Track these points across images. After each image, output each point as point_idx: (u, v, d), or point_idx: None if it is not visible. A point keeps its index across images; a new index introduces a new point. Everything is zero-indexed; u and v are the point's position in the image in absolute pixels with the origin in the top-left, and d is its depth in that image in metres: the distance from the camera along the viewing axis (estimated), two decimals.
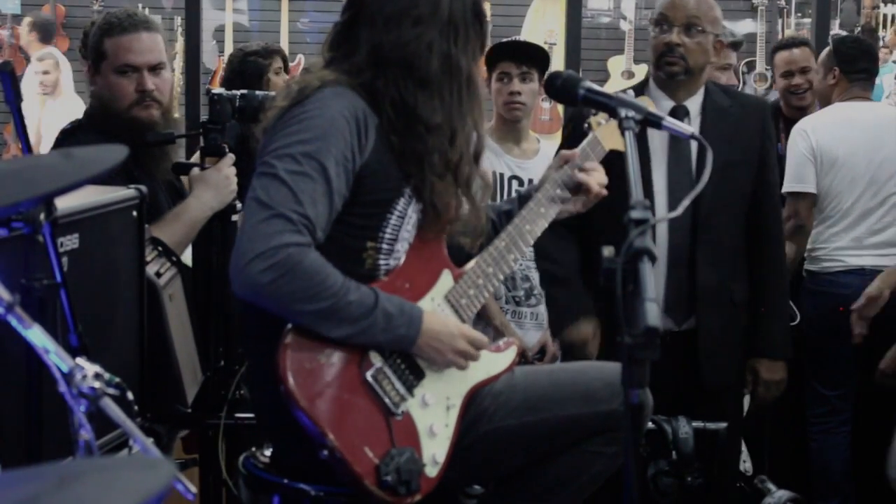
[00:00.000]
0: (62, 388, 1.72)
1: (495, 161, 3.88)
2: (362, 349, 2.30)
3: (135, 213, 2.60)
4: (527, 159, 3.97)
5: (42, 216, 2.00)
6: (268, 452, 2.53)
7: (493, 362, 2.49)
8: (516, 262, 2.54)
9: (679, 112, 3.32)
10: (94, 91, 3.31)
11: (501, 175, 3.95)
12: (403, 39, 2.31)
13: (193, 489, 1.69)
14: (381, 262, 2.35)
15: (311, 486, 2.37)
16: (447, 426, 2.39)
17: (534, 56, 3.95)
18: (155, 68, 3.25)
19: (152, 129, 3.18)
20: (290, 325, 2.24)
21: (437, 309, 2.42)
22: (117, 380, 1.77)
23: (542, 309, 3.90)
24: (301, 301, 2.18)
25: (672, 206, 3.27)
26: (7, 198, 1.73)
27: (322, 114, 2.26)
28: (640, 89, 3.42)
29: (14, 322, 1.72)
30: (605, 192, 2.57)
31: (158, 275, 2.88)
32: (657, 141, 3.28)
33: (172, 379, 2.90)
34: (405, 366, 2.35)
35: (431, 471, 2.34)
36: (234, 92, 3.18)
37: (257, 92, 3.22)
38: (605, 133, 2.70)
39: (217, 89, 3.23)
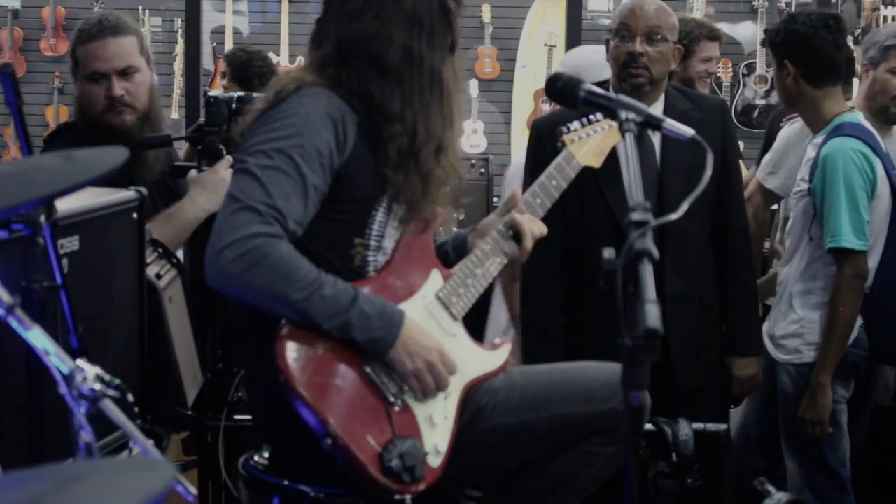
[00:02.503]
0: (62, 389, 1.72)
1: None
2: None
3: (135, 215, 2.60)
4: None
5: (42, 218, 2.00)
6: (267, 454, 2.53)
7: (487, 359, 2.49)
8: (501, 266, 2.53)
9: None
10: (74, 97, 3.35)
11: None
12: (365, 32, 2.36)
13: (194, 491, 1.69)
14: (370, 258, 2.38)
15: (310, 487, 2.37)
16: (446, 418, 2.38)
17: None
18: (125, 73, 3.25)
19: (127, 135, 3.16)
20: (284, 319, 2.26)
21: (428, 307, 2.43)
22: (118, 381, 1.77)
23: None
24: (274, 292, 2.19)
25: None
26: (7, 199, 1.74)
27: (297, 112, 2.30)
28: None
29: (14, 324, 1.72)
30: (528, 246, 2.54)
31: (159, 276, 2.88)
32: (623, 148, 3.27)
33: (173, 381, 2.90)
34: None
35: (434, 460, 2.33)
36: (231, 94, 3.20)
37: (254, 94, 3.22)
38: (579, 149, 2.69)
39: (214, 91, 3.24)
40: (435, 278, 2.47)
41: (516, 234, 2.53)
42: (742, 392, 3.49)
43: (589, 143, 2.70)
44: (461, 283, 2.48)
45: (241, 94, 3.22)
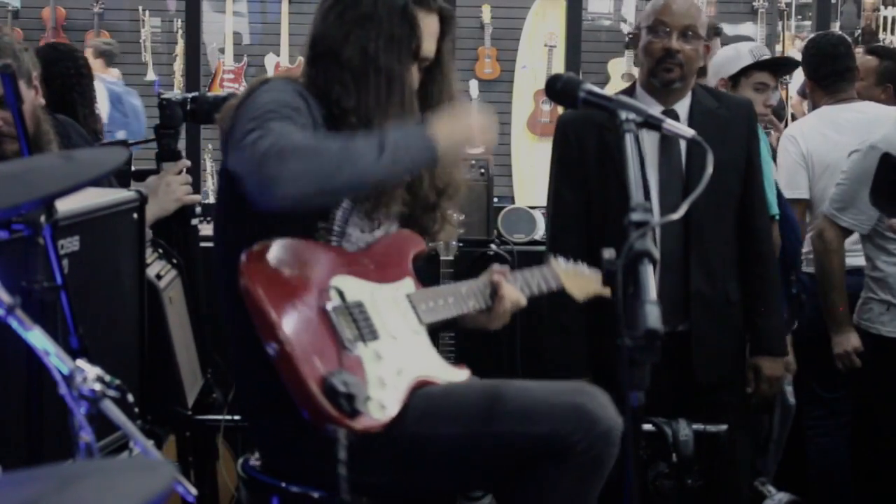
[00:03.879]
0: (63, 390, 1.72)
1: None
2: (325, 285, 2.30)
3: (135, 216, 2.60)
4: None
5: (42, 218, 2.00)
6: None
7: (446, 370, 2.46)
8: (474, 309, 2.54)
9: (668, 116, 3.33)
10: None
11: None
12: (328, 31, 2.44)
13: (194, 491, 1.70)
14: (334, 241, 2.40)
15: (311, 488, 2.37)
16: (396, 389, 2.32)
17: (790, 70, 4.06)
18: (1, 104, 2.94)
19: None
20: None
21: (397, 300, 2.43)
22: (118, 382, 1.77)
23: None
24: (310, 156, 2.17)
25: (664, 208, 3.28)
26: (7, 200, 1.74)
27: (271, 91, 2.36)
28: (628, 94, 3.42)
29: (15, 324, 1.72)
30: (501, 313, 2.55)
31: (159, 277, 2.89)
32: (648, 143, 3.29)
33: (173, 381, 2.90)
34: (363, 321, 2.33)
35: (376, 412, 2.25)
36: (186, 95, 3.20)
37: (208, 94, 3.24)
38: (565, 275, 2.76)
39: (167, 94, 3.24)
40: (407, 283, 2.49)
41: (493, 293, 2.55)
42: (770, 391, 3.47)
43: (575, 276, 2.79)
44: (432, 297, 2.48)
45: (195, 94, 3.22)
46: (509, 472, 2.36)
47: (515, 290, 2.59)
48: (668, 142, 3.28)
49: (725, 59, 4.08)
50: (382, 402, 2.27)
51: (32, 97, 3.05)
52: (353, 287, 2.35)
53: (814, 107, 4.47)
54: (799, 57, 4.73)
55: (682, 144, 3.31)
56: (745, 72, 3.99)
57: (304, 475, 2.36)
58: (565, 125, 3.39)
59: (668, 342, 3.23)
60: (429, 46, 2.48)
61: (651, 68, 3.33)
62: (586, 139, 3.29)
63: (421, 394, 2.37)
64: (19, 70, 2.98)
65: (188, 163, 3.24)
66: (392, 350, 2.35)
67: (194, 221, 3.22)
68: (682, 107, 3.36)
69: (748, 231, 3.41)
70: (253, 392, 2.40)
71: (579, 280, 2.80)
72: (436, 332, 2.57)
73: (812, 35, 4.85)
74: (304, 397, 2.20)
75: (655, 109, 3.32)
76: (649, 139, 3.26)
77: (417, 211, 2.55)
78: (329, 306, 2.29)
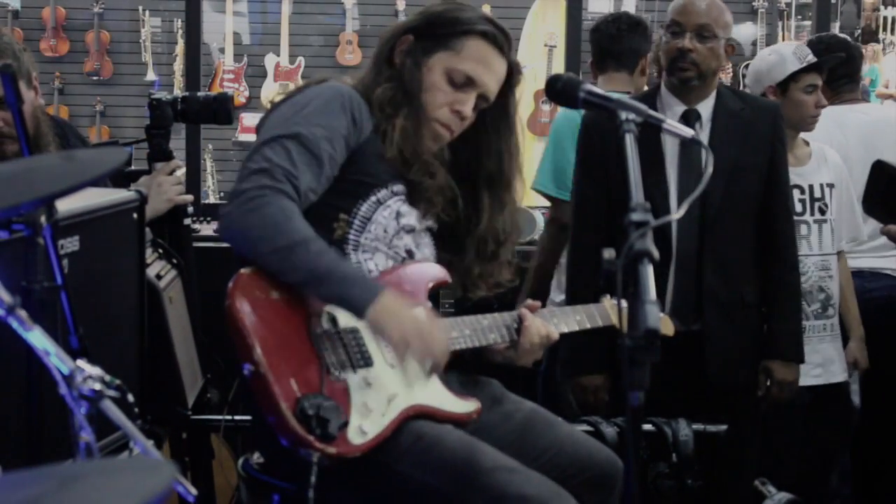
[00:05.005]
0: (63, 390, 1.72)
1: None
2: (317, 310, 2.31)
3: (135, 216, 2.60)
4: (802, 166, 3.90)
5: (42, 218, 2.00)
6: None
7: (448, 400, 2.43)
8: (496, 343, 2.51)
9: (691, 116, 3.34)
10: None
11: None
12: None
13: (193, 491, 1.70)
14: (352, 235, 2.42)
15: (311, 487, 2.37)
16: (383, 415, 2.31)
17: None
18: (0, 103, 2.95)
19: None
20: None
21: None
22: (118, 382, 1.77)
23: (836, 320, 3.87)
24: (261, 236, 2.24)
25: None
26: (7, 200, 1.74)
27: (318, 95, 2.42)
28: (653, 93, 3.45)
29: (15, 324, 1.72)
30: (528, 347, 2.52)
31: (159, 277, 2.89)
32: (669, 144, 3.30)
33: (173, 381, 2.90)
34: (355, 347, 2.33)
35: (355, 437, 2.24)
36: (176, 94, 3.20)
37: (199, 94, 3.24)
38: (614, 311, 2.69)
39: (157, 94, 3.23)
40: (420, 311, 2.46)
41: (519, 326, 2.53)
42: (781, 396, 3.45)
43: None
44: (448, 329, 2.45)
45: (185, 94, 3.22)
46: None
47: (545, 324, 2.55)
48: (689, 143, 3.29)
49: (769, 66, 3.97)
50: (363, 428, 2.27)
51: (32, 98, 3.06)
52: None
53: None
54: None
55: (704, 141, 3.31)
56: (794, 76, 3.90)
57: (302, 475, 2.36)
58: (589, 124, 3.39)
59: (681, 341, 3.29)
60: (488, 83, 2.49)
61: (667, 68, 3.35)
62: (609, 138, 3.30)
63: (415, 429, 2.34)
64: (19, 70, 3.00)
65: (180, 163, 3.24)
66: (386, 378, 2.34)
67: (186, 221, 3.22)
68: (706, 107, 3.36)
69: (769, 234, 3.39)
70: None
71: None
72: (463, 362, 2.53)
73: (816, 36, 4.82)
74: (276, 420, 2.20)
75: (678, 109, 3.34)
76: (671, 140, 3.27)
77: (477, 265, 2.57)
78: (318, 330, 2.29)
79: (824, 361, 3.84)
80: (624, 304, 2.69)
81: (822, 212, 3.84)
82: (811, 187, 3.85)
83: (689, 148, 3.28)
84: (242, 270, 2.28)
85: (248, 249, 2.28)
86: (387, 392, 2.33)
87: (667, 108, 3.35)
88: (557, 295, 3.89)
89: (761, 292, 3.39)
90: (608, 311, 2.72)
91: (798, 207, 3.81)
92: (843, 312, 3.98)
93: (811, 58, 3.94)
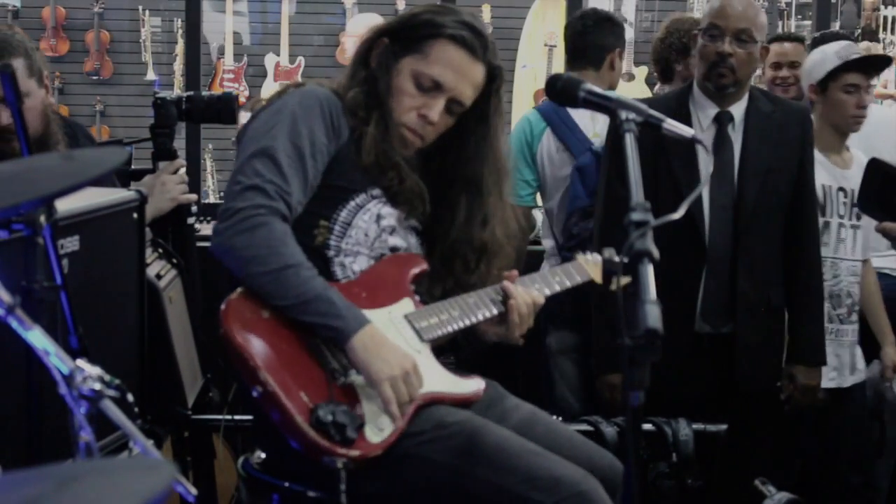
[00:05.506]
0: (62, 389, 1.72)
1: (823, 173, 3.77)
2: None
3: (135, 216, 2.60)
4: (847, 169, 3.89)
5: (42, 218, 1.99)
6: (262, 454, 2.53)
7: (454, 382, 2.44)
8: (485, 318, 2.50)
9: (723, 118, 3.35)
10: None
11: (829, 187, 3.83)
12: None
13: (193, 491, 1.70)
14: (333, 241, 2.42)
15: (311, 487, 2.37)
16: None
17: (881, 68, 3.99)
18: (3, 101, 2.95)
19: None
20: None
21: (393, 321, 2.41)
22: (118, 381, 1.77)
23: (857, 325, 3.87)
24: (252, 257, 2.25)
25: (713, 212, 3.29)
26: (7, 200, 1.73)
27: (297, 103, 2.42)
28: (685, 93, 3.44)
29: (15, 324, 1.72)
30: (517, 319, 2.51)
31: (159, 277, 2.89)
32: (735, 149, 3.30)
33: (173, 381, 2.90)
34: None
35: (374, 436, 2.25)
36: (181, 94, 3.20)
37: (203, 93, 3.24)
38: (591, 266, 2.74)
39: (162, 93, 3.23)
40: (405, 303, 2.46)
41: (505, 299, 2.52)
42: (804, 400, 3.45)
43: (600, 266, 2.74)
44: (434, 313, 2.46)
45: (190, 94, 3.22)
46: None
47: (528, 291, 2.55)
48: (722, 146, 3.30)
49: (812, 65, 3.95)
50: (379, 426, 2.27)
51: (43, 95, 3.08)
52: None
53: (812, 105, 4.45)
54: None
55: (737, 149, 3.32)
56: (834, 75, 3.83)
57: (307, 474, 2.36)
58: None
59: (711, 343, 3.29)
60: (458, 87, 2.46)
61: (705, 72, 3.34)
62: (641, 135, 3.29)
63: (439, 419, 2.34)
64: (31, 68, 3.03)
65: (184, 162, 3.24)
66: None
67: (190, 220, 3.22)
68: (738, 109, 3.36)
69: (796, 237, 3.39)
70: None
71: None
72: (457, 347, 2.55)
73: (819, 33, 4.82)
74: (294, 434, 2.21)
75: (711, 111, 3.35)
76: (704, 140, 3.28)
77: (456, 272, 2.54)
78: (314, 341, 2.29)
79: (840, 365, 3.84)
80: (598, 257, 2.74)
81: (859, 217, 3.82)
82: (853, 192, 3.81)
83: (723, 153, 3.29)
84: (231, 296, 2.29)
85: (240, 269, 2.28)
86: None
87: (699, 110, 3.35)
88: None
89: (786, 295, 3.39)
90: (584, 266, 2.73)
91: (841, 210, 3.80)
92: (875, 318, 3.97)
93: (855, 55, 3.85)
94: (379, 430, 2.27)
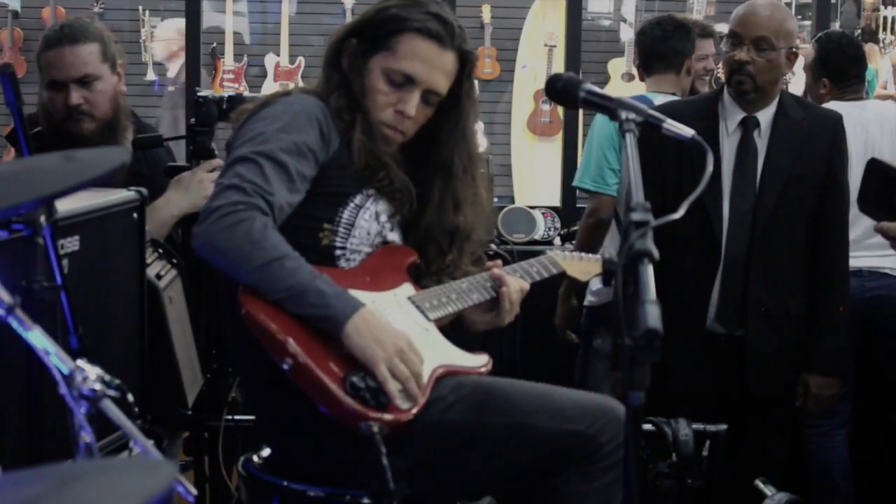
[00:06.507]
0: (63, 389, 1.72)
1: None
2: None
3: (135, 216, 2.60)
4: None
5: (42, 218, 2.00)
6: (265, 453, 2.53)
7: (464, 357, 2.47)
8: (479, 301, 2.54)
9: (749, 123, 3.35)
10: (40, 104, 3.35)
11: None
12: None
13: (193, 491, 1.70)
14: (338, 241, 2.43)
15: (310, 486, 2.37)
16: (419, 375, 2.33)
17: None
18: (83, 81, 3.23)
19: (87, 143, 3.17)
20: None
21: (399, 302, 2.44)
22: (118, 381, 1.77)
23: None
24: (237, 254, 2.23)
25: (734, 216, 3.29)
26: (7, 200, 1.74)
27: (286, 110, 2.42)
28: (715, 97, 3.46)
29: (15, 324, 1.72)
30: (508, 305, 2.57)
31: (159, 277, 2.89)
32: (727, 150, 3.30)
33: (173, 381, 2.90)
34: None
35: (403, 402, 2.26)
36: (222, 94, 3.22)
37: (245, 94, 3.26)
38: (566, 262, 2.80)
39: (204, 91, 3.25)
40: (406, 287, 2.50)
41: (496, 286, 2.56)
42: (816, 409, 3.43)
43: (576, 261, 2.82)
44: (434, 295, 2.50)
45: (230, 94, 3.24)
46: (532, 474, 2.38)
47: (516, 278, 2.61)
48: (745, 147, 3.31)
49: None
50: (407, 396, 2.29)
51: (115, 82, 3.29)
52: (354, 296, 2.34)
53: (819, 102, 4.44)
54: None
55: (762, 152, 3.32)
56: None
57: (313, 470, 2.37)
58: None
59: (723, 345, 3.28)
60: (430, 78, 2.47)
61: (726, 78, 3.37)
62: (668, 141, 3.30)
63: (455, 383, 2.39)
64: (105, 53, 3.26)
65: (221, 162, 3.25)
66: None
67: None
68: (766, 114, 3.35)
69: (820, 247, 3.36)
70: (268, 389, 2.38)
71: (580, 264, 2.83)
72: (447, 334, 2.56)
73: (825, 33, 4.82)
74: (330, 402, 2.21)
75: (738, 116, 3.35)
76: (728, 146, 3.28)
77: (429, 257, 2.57)
78: None
79: None
80: (569, 253, 2.81)
81: None
82: None
83: (745, 156, 3.29)
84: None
85: (225, 267, 2.28)
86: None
87: (728, 115, 3.37)
88: (595, 284, 3.93)
89: (808, 304, 3.36)
90: (556, 259, 2.79)
91: None
92: None
93: None
94: (408, 398, 2.28)
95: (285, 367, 2.22)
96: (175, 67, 6.98)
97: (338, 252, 2.43)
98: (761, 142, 3.34)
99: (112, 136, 3.24)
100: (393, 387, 2.25)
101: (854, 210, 4.13)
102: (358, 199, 2.46)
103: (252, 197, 2.26)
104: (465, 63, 2.54)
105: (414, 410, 2.27)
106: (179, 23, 6.66)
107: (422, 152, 2.58)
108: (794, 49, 3.36)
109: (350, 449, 2.28)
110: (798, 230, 3.35)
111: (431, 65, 2.47)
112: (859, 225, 4.16)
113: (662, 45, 4.17)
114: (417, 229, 2.57)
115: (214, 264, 2.30)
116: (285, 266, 2.24)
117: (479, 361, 2.49)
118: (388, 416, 2.22)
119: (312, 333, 2.26)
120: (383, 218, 2.51)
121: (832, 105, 4.30)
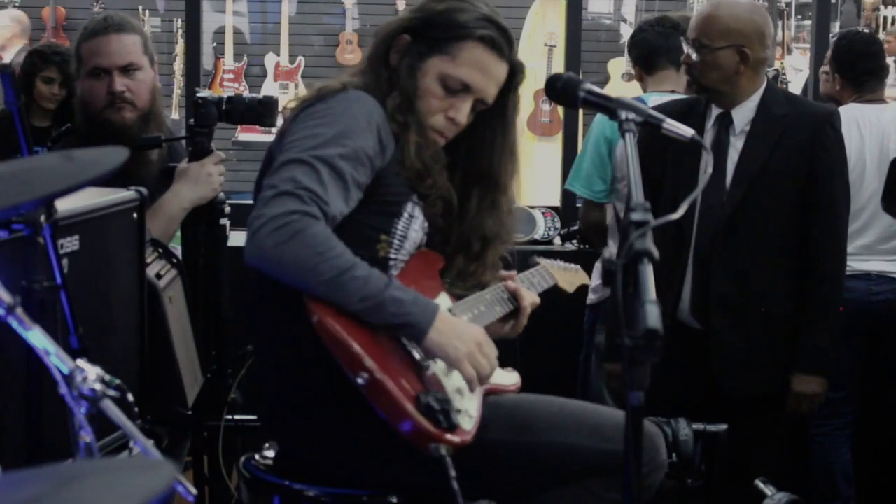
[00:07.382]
0: (63, 389, 1.72)
1: None
2: None
3: (135, 215, 2.60)
4: None
5: (42, 218, 2.00)
6: (267, 454, 2.53)
7: (501, 374, 2.47)
8: (502, 314, 2.58)
9: (724, 119, 3.35)
10: (76, 98, 3.37)
11: None
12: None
13: (193, 491, 1.70)
14: (392, 255, 2.39)
15: (311, 486, 2.37)
16: (473, 398, 2.35)
17: None
18: (126, 70, 3.27)
19: (127, 132, 3.19)
20: None
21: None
22: (118, 381, 1.77)
23: None
24: (306, 267, 2.16)
25: (704, 210, 3.30)
26: (7, 199, 1.74)
27: (345, 111, 2.33)
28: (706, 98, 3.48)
29: (15, 324, 1.72)
30: (525, 320, 2.62)
31: (159, 276, 2.89)
32: (733, 149, 3.32)
33: (173, 381, 2.90)
34: None
35: (465, 422, 2.26)
36: (221, 95, 3.21)
37: (245, 95, 3.26)
38: (557, 272, 2.87)
39: (203, 92, 3.25)
40: (444, 298, 2.48)
41: (513, 299, 2.61)
42: (799, 408, 3.40)
43: (563, 271, 2.89)
44: (469, 308, 2.50)
45: (231, 95, 3.23)
46: (561, 484, 2.38)
47: (530, 292, 2.65)
48: (718, 147, 3.33)
49: None
50: (469, 412, 2.30)
51: (153, 76, 3.38)
52: None
53: (837, 103, 4.42)
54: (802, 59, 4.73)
55: (736, 148, 3.33)
56: None
57: (324, 470, 2.37)
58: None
59: (689, 337, 3.28)
60: (485, 88, 2.44)
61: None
62: (670, 141, 3.30)
63: (498, 402, 2.41)
64: (146, 46, 3.35)
65: (222, 155, 3.27)
66: None
67: (223, 221, 3.24)
68: (744, 110, 3.33)
69: (806, 244, 3.32)
70: (298, 390, 2.36)
71: (567, 275, 2.89)
72: None
73: (839, 32, 4.82)
74: (403, 421, 2.19)
75: (715, 112, 3.36)
76: (706, 141, 3.29)
77: (459, 262, 2.55)
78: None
79: None
80: (553, 262, 2.86)
81: None
82: None
83: (717, 150, 3.31)
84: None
85: (291, 280, 2.21)
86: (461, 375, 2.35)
87: (709, 113, 3.39)
88: (595, 281, 3.93)
89: (794, 302, 3.33)
90: (549, 270, 2.85)
91: None
92: None
93: None
94: (469, 417, 2.29)
95: (360, 381, 2.19)
96: (9, 56, 6.74)
97: (391, 263, 2.39)
98: (736, 138, 3.33)
99: (151, 127, 3.29)
100: (477, 383, 2.28)
101: (866, 215, 4.14)
102: (409, 208, 2.40)
103: (308, 205, 2.18)
104: (516, 74, 2.51)
105: (473, 430, 2.27)
106: (14, 12, 6.85)
107: (457, 159, 2.53)
108: (743, 47, 3.29)
109: (411, 463, 2.25)
110: (773, 226, 3.31)
111: (488, 75, 2.43)
112: (872, 230, 4.16)
113: (665, 42, 4.18)
114: (450, 236, 2.53)
115: (273, 276, 2.22)
116: (356, 276, 2.19)
117: (513, 379, 2.53)
118: (455, 439, 2.21)
119: (384, 346, 2.24)
120: (425, 226, 2.46)
121: (849, 108, 4.30)
